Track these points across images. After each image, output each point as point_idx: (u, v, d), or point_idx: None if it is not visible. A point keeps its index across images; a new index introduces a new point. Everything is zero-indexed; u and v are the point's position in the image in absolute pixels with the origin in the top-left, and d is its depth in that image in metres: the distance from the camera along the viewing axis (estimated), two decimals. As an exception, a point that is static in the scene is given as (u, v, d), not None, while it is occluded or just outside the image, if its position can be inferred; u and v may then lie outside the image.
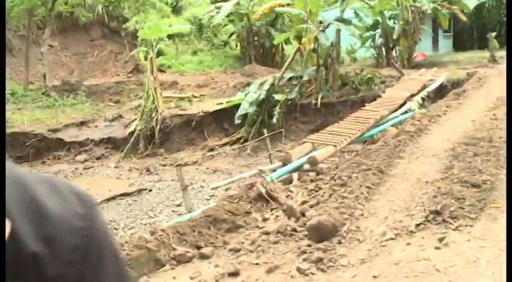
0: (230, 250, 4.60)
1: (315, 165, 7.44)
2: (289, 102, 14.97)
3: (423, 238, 3.75)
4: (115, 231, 10.58)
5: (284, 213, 5.36)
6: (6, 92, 19.84)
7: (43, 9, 20.85)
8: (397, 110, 11.09)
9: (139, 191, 12.44)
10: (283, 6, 17.00)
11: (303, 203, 5.48)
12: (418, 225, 4.00)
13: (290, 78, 16.06)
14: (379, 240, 3.89)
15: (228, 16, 21.89)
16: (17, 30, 24.63)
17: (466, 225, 3.82)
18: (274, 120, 14.45)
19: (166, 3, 26.14)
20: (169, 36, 22.75)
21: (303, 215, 5.03)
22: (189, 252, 4.59)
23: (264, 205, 5.78)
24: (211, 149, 15.13)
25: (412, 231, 3.92)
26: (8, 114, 18.01)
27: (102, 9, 25.20)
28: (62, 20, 25.24)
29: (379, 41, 19.79)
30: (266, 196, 5.84)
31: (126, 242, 4.30)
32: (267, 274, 3.76)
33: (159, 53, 20.59)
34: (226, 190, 7.90)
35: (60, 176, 14.89)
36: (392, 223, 4.17)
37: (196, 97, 17.96)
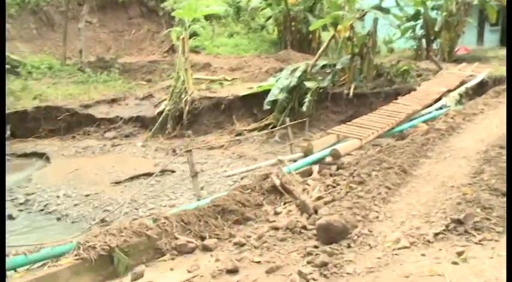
0: (235, 244, 4.38)
1: (338, 159, 7.09)
2: (321, 90, 14.57)
3: (440, 250, 3.40)
4: (134, 211, 10.60)
5: (297, 208, 5.09)
6: (44, 66, 20.21)
7: (83, -14, 21.02)
8: (431, 105, 10.55)
9: (163, 172, 12.41)
10: (320, -9, 16.49)
11: (318, 198, 5.19)
12: (436, 234, 3.65)
13: (323, 66, 15.61)
14: (391, 248, 3.58)
15: (266, 0, 21.49)
16: (59, 5, 25.00)
17: (491, 240, 3.44)
18: (304, 108, 14.09)
19: (205, -16, 25.86)
20: (207, 18, 22.54)
21: (316, 212, 4.75)
22: (191, 242, 4.40)
23: (278, 198, 5.53)
24: (239, 134, 14.96)
25: (429, 241, 3.58)
26: (43, 88, 18.34)
27: (140, -13, 25.24)
28: (101, -4, 25.48)
29: (419, 32, 19.04)
30: (280, 188, 5.58)
31: (125, 228, 4.13)
32: (266, 275, 3.53)
33: (194, 34, 20.41)
34: (242, 179, 7.68)
35: (89, 151, 15.09)
36: (409, 230, 3.84)
37: (227, 80, 17.74)
